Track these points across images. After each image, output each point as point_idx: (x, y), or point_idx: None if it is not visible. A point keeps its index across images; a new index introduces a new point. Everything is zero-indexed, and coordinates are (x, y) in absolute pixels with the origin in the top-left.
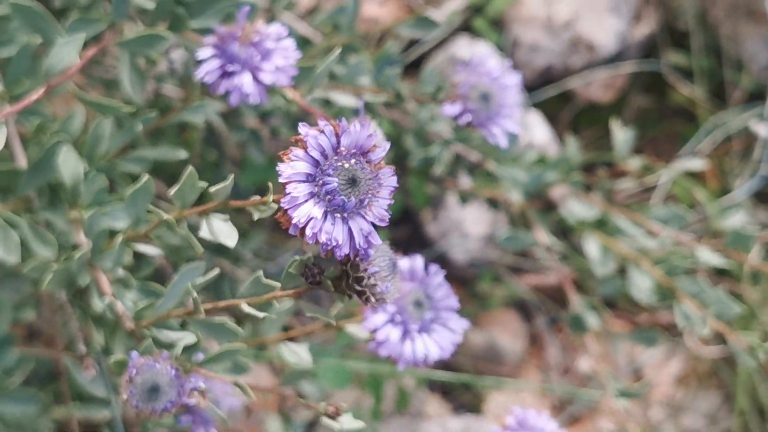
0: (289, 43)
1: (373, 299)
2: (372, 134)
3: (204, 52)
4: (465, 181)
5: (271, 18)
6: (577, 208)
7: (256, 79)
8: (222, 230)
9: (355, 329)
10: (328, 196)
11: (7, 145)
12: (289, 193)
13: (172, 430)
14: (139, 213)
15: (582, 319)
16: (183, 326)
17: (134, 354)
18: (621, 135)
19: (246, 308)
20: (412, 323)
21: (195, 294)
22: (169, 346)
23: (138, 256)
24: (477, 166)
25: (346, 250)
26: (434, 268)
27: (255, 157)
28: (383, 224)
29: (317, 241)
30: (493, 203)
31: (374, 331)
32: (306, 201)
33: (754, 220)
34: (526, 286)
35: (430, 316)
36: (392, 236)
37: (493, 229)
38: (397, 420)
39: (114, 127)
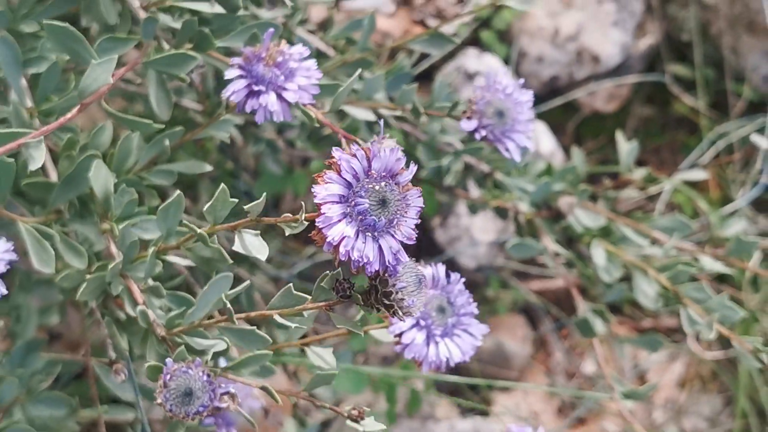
0: (311, 63)
1: (400, 312)
2: (401, 158)
3: (230, 72)
4: (474, 190)
5: (287, 33)
6: (584, 217)
7: (280, 97)
8: (254, 244)
9: (380, 333)
10: (360, 216)
11: None
12: (323, 213)
13: (196, 431)
14: (170, 226)
15: (589, 324)
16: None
17: (169, 361)
18: (625, 146)
19: (279, 319)
20: (435, 328)
21: (228, 304)
22: (200, 352)
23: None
24: (486, 176)
25: (376, 266)
26: (455, 276)
27: (271, 168)
28: (410, 242)
29: (349, 258)
30: (501, 212)
31: (400, 334)
32: (339, 221)
33: (754, 228)
34: (532, 291)
35: (452, 321)
36: None
37: (500, 236)
38: (407, 422)
39: (141, 140)
